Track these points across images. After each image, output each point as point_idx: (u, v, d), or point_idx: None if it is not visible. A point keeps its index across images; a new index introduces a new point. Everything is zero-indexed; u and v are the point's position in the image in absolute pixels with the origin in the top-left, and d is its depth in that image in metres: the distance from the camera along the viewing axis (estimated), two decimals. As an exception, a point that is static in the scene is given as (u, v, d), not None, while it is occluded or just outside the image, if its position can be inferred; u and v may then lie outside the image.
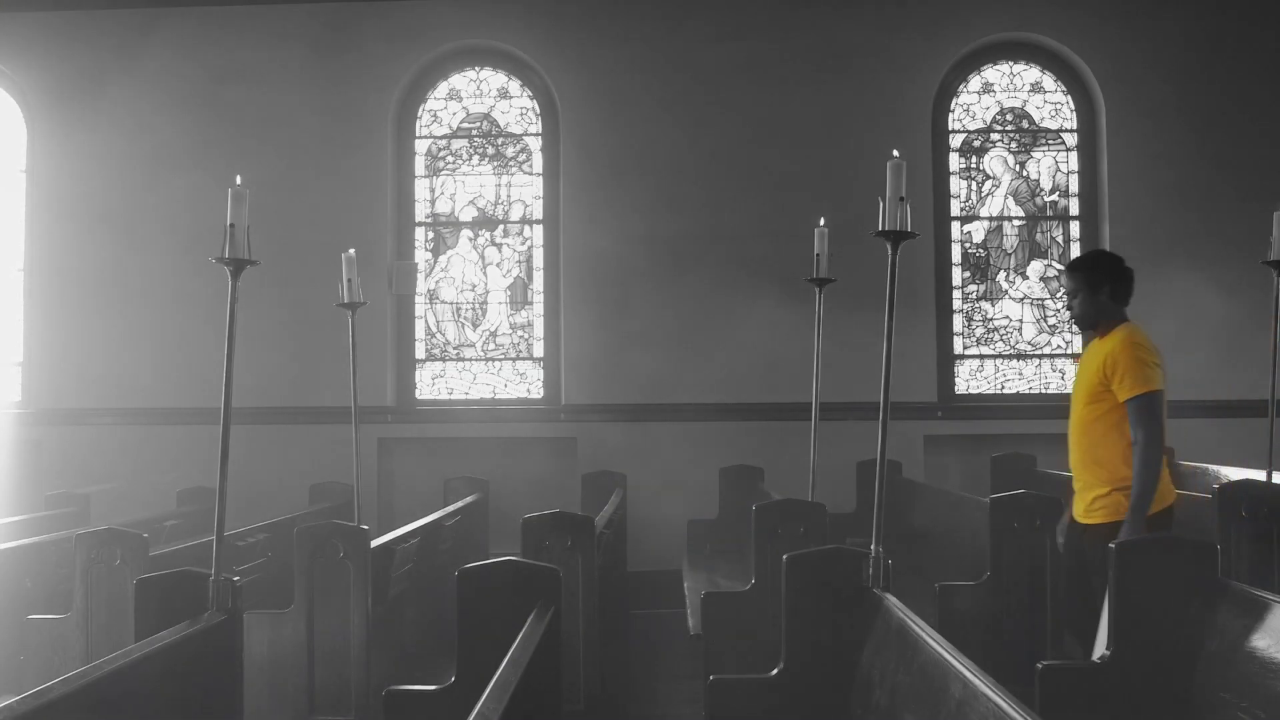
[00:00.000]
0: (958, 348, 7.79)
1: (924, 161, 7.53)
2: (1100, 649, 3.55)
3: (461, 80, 8.05)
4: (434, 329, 7.96)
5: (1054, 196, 7.86)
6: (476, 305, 7.96)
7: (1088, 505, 4.06)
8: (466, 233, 7.99)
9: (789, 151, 7.56)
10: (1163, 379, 3.99)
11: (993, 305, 7.82)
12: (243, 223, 3.47)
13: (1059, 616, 4.30)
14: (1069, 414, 4.26)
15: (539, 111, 7.96)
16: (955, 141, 7.88)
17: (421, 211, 7.99)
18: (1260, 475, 5.18)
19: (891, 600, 3.17)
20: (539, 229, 7.92)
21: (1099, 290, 4.10)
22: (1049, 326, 7.80)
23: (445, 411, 7.73)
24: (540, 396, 7.82)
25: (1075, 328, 7.72)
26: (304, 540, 4.37)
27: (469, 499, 6.94)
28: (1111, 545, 3.47)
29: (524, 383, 7.88)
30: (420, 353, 7.93)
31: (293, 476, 7.19)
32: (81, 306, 7.68)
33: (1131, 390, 3.90)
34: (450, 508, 6.54)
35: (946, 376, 7.73)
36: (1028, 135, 7.89)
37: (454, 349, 7.94)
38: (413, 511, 6.60)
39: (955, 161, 7.88)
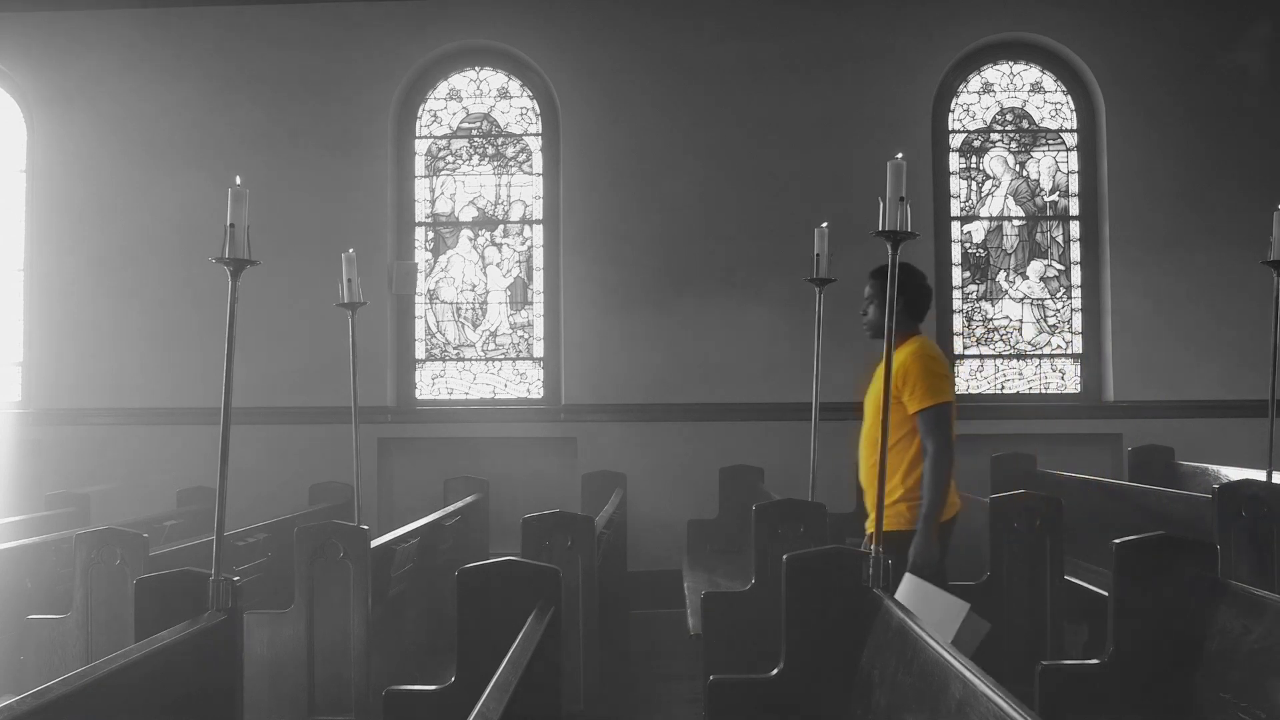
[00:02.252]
0: (958, 348, 7.79)
1: (924, 162, 7.53)
2: None
3: (461, 80, 8.05)
4: (434, 329, 7.96)
5: (1054, 196, 7.86)
6: (476, 305, 7.96)
7: (875, 516, 4.07)
8: (466, 233, 7.99)
9: (789, 151, 7.56)
10: (953, 391, 3.98)
11: (993, 305, 7.82)
12: (243, 223, 3.47)
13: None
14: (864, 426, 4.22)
15: (539, 111, 7.96)
16: (955, 141, 7.88)
17: (421, 211, 7.99)
18: (1260, 475, 5.17)
19: (892, 600, 3.17)
20: (539, 229, 7.92)
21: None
22: (1049, 326, 7.80)
23: (445, 411, 7.73)
24: (540, 396, 7.82)
25: (1073, 327, 7.74)
26: (304, 540, 4.37)
27: (469, 499, 6.94)
28: (907, 555, 3.45)
29: (524, 383, 7.88)
30: (420, 353, 7.93)
31: (293, 476, 7.19)
32: (81, 306, 7.68)
33: (922, 402, 3.90)
34: (450, 508, 6.54)
35: (946, 376, 7.71)
36: (1028, 135, 7.89)
37: (454, 349, 7.94)
38: (413, 511, 6.60)
39: (955, 161, 7.88)
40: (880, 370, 4.15)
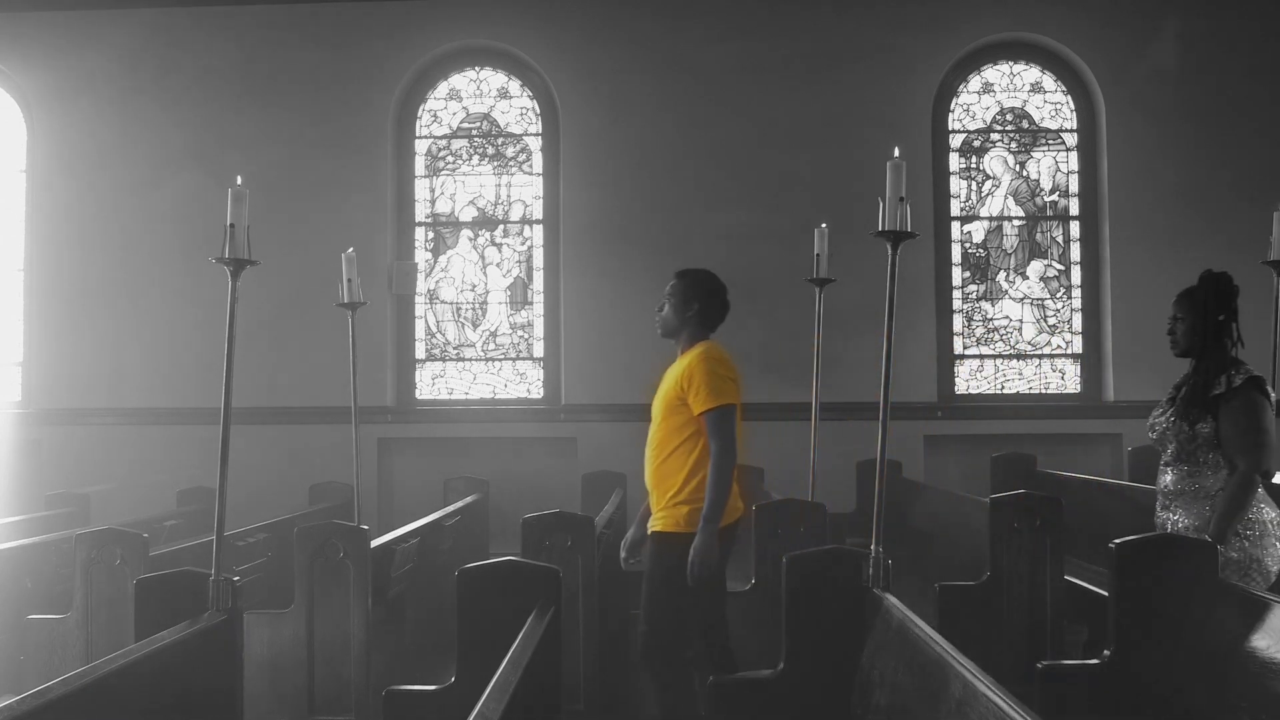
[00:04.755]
0: (958, 348, 7.79)
1: (924, 161, 7.52)
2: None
3: (461, 80, 8.04)
4: (434, 329, 7.96)
5: (1054, 196, 7.86)
6: (476, 305, 7.96)
7: (654, 517, 4.05)
8: (466, 233, 7.99)
9: (789, 151, 7.55)
10: (738, 394, 4.00)
11: (993, 305, 7.82)
12: (243, 223, 3.48)
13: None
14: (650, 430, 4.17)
15: (539, 111, 7.96)
16: (955, 141, 7.88)
17: (421, 211, 7.98)
18: (1260, 475, 5.15)
19: (891, 600, 3.17)
20: (539, 229, 7.91)
21: (688, 305, 4.17)
22: (1049, 326, 7.79)
23: (445, 411, 7.73)
24: (540, 396, 7.82)
25: (1073, 327, 7.74)
26: (304, 540, 4.37)
27: (469, 499, 6.94)
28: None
29: (524, 383, 7.88)
30: (420, 353, 7.93)
31: (293, 476, 7.19)
32: (81, 306, 7.68)
33: (707, 403, 3.92)
34: (450, 508, 6.54)
35: (946, 376, 7.72)
36: (1028, 135, 7.88)
37: (454, 349, 7.94)
38: (413, 511, 6.60)
39: (955, 161, 7.87)
40: (668, 371, 4.17)
